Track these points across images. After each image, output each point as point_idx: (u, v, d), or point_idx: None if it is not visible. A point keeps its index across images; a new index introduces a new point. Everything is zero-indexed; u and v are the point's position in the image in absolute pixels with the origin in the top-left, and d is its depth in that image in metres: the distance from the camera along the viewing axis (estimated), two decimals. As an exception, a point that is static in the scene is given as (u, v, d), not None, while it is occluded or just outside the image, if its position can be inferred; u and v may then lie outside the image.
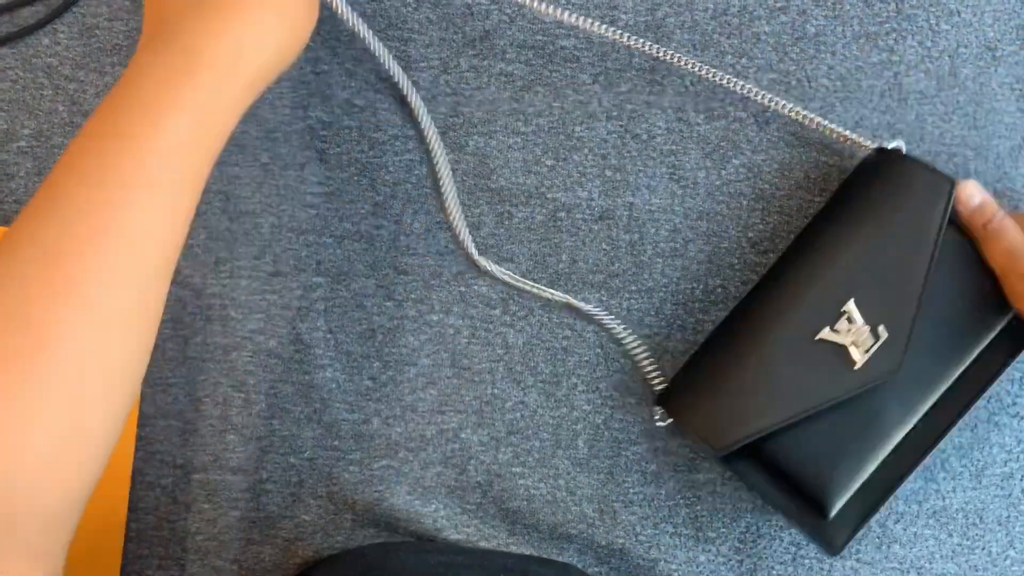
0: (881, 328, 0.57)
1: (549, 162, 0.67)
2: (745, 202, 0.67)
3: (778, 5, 0.67)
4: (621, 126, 0.67)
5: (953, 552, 0.67)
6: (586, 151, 0.67)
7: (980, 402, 0.61)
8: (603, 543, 0.67)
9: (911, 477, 0.60)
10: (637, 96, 0.67)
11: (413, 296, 0.67)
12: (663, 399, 0.63)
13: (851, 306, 0.57)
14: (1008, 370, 0.61)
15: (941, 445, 0.61)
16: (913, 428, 0.60)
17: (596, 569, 0.67)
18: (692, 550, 0.67)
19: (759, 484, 0.62)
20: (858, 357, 0.57)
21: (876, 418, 0.59)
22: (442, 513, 0.66)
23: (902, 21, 0.67)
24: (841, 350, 0.57)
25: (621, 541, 0.67)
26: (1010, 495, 0.67)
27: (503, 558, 0.64)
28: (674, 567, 0.67)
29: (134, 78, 0.44)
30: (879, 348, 0.57)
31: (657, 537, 0.67)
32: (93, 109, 0.65)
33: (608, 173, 0.67)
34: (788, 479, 0.60)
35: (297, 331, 0.66)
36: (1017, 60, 0.68)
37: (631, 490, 0.67)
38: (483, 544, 0.66)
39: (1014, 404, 0.67)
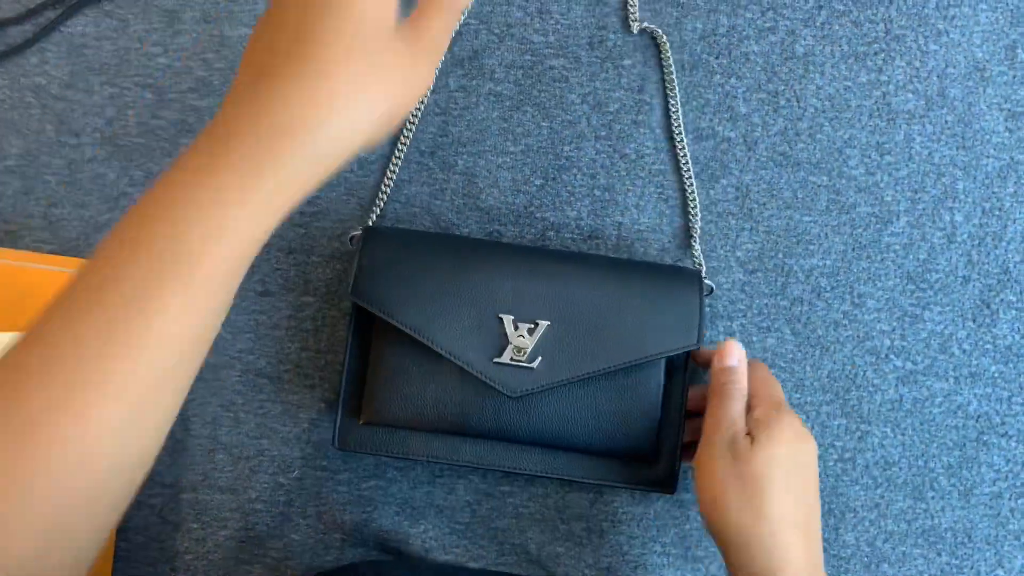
0: (539, 360, 0.59)
1: (538, 181, 0.67)
2: (733, 221, 0.67)
3: (767, 25, 0.67)
4: (610, 146, 0.67)
5: (942, 571, 0.67)
6: (575, 171, 0.67)
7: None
8: (591, 562, 0.67)
9: None
10: (625, 116, 0.67)
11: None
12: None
13: (543, 323, 0.59)
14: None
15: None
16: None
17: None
18: (680, 569, 0.67)
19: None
20: (506, 356, 0.59)
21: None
22: (431, 533, 0.66)
23: (891, 42, 0.67)
24: (503, 339, 0.59)
25: (608, 560, 0.67)
26: (998, 514, 0.67)
27: (494, 577, 0.64)
28: (663, 586, 0.67)
29: (212, 149, 0.39)
30: (521, 370, 0.59)
31: (645, 557, 0.67)
32: (81, 128, 0.65)
33: (597, 192, 0.67)
34: None
35: (286, 351, 0.66)
36: (1005, 80, 0.68)
37: (620, 509, 0.67)
38: (471, 564, 0.66)
39: (1003, 424, 0.67)
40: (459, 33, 0.66)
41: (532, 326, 0.59)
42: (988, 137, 0.68)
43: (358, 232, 0.62)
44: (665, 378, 0.62)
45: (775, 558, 0.52)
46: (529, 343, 0.59)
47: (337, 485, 0.66)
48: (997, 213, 0.68)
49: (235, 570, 0.66)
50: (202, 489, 0.66)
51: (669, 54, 0.66)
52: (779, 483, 0.54)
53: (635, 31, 0.67)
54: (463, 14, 0.59)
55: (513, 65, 0.67)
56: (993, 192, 0.68)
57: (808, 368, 0.67)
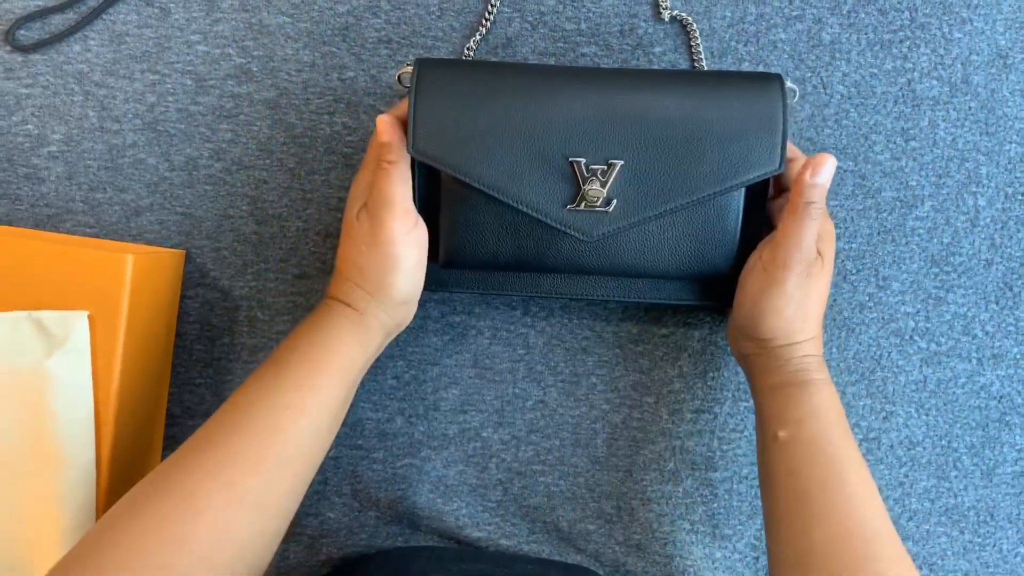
0: (615, 203, 0.57)
1: (569, 167, 0.69)
2: (761, 206, 0.69)
3: (794, 13, 0.68)
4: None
5: (964, 549, 0.69)
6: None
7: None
8: (621, 539, 0.68)
9: None
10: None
11: (435, 297, 0.68)
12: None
13: (617, 163, 0.56)
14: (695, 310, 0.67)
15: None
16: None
17: (614, 566, 0.68)
18: (708, 547, 0.68)
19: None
20: (579, 202, 0.57)
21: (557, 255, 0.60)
22: (464, 511, 0.68)
23: (916, 29, 0.69)
24: (576, 185, 0.57)
25: (638, 537, 0.68)
26: (1021, 493, 0.68)
27: (523, 564, 0.65)
28: (690, 563, 0.68)
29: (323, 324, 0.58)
30: (596, 214, 0.57)
31: (674, 534, 0.68)
32: (122, 115, 0.67)
33: (627, 177, 0.69)
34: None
35: (322, 332, 0.68)
36: (1028, 67, 0.69)
37: (649, 488, 0.68)
38: (503, 542, 0.68)
39: (1024, 404, 0.69)
40: (493, 21, 0.68)
41: (605, 167, 0.56)
42: (1011, 123, 0.69)
43: (408, 67, 0.58)
44: (745, 199, 0.60)
45: (815, 348, 0.59)
46: (602, 187, 0.56)
47: (372, 464, 0.68)
48: (1020, 198, 0.69)
49: (271, 548, 0.68)
50: (240, 468, 0.67)
51: (699, 41, 0.68)
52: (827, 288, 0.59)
53: (665, 19, 0.68)
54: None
55: (545, 52, 0.68)
56: (1016, 177, 0.69)
57: (834, 349, 0.68)
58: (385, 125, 0.56)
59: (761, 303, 0.58)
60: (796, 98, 0.61)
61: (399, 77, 0.59)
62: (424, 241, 0.58)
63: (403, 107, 0.58)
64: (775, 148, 0.56)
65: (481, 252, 0.60)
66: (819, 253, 0.57)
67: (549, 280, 0.63)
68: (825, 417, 0.56)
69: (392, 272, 0.56)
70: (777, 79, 0.57)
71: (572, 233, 0.57)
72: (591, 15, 0.68)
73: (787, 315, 0.57)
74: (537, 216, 0.57)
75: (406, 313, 0.60)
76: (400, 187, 0.56)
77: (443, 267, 0.62)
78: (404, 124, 0.57)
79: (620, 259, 0.60)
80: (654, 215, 0.57)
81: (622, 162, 0.56)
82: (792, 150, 0.61)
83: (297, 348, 0.56)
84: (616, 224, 0.57)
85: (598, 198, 0.56)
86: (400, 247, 0.56)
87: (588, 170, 0.56)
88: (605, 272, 0.61)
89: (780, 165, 0.56)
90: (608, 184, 0.56)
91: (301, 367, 0.55)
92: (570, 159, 0.56)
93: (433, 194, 0.60)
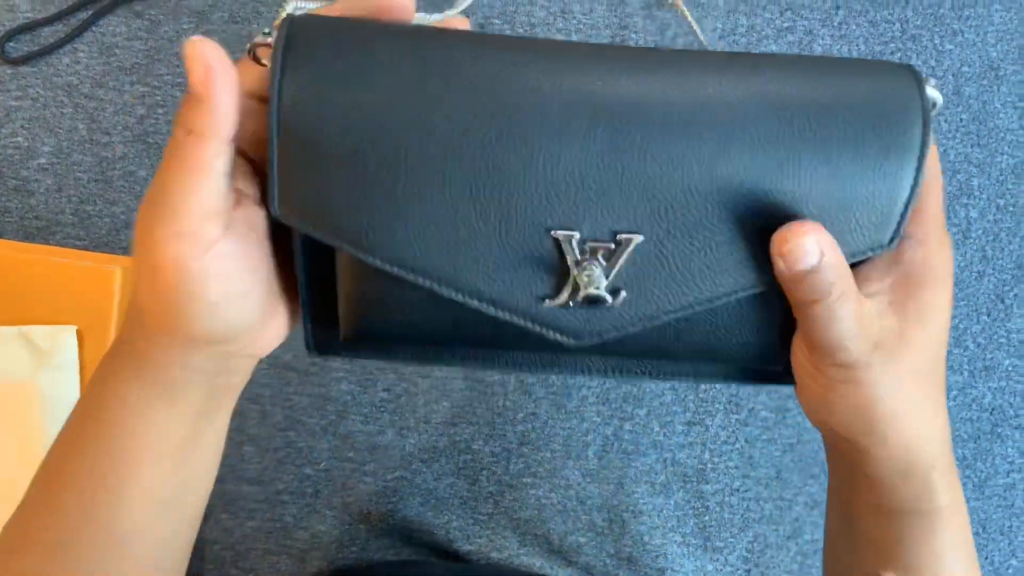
0: (623, 295, 0.34)
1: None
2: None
3: (785, 25, 0.68)
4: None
5: (956, 561, 0.68)
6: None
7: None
8: (612, 552, 0.68)
9: None
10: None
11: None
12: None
13: (633, 239, 0.33)
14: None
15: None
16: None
17: (606, 578, 0.68)
18: (700, 559, 0.68)
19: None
20: (564, 296, 0.34)
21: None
22: (455, 524, 0.68)
23: (907, 41, 0.69)
24: (560, 270, 0.34)
25: (629, 550, 0.68)
26: (1012, 505, 0.68)
27: None
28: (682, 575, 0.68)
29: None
30: (591, 309, 0.35)
31: (665, 547, 0.68)
32: (112, 127, 0.67)
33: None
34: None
35: (313, 344, 0.67)
36: (1020, 79, 0.69)
37: (640, 500, 0.68)
38: (494, 555, 0.68)
39: (1016, 416, 0.68)
40: (484, 32, 0.68)
41: (611, 246, 0.33)
42: (1002, 135, 0.69)
43: (265, 36, 0.33)
44: None
45: (942, 457, 0.38)
46: (605, 274, 0.34)
47: (363, 476, 0.68)
48: (1011, 209, 0.69)
49: (262, 560, 0.67)
50: (230, 480, 0.67)
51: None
52: (942, 362, 0.38)
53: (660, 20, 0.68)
54: None
55: (536, 64, 0.68)
56: (1007, 188, 0.69)
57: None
58: (203, 63, 0.31)
59: (832, 403, 0.36)
60: (936, 111, 0.36)
61: (252, 50, 0.34)
62: (244, 259, 0.34)
63: (263, 52, 0.34)
64: (891, 218, 0.34)
65: (402, 330, 0.37)
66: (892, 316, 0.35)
67: (511, 355, 0.40)
68: (950, 569, 0.39)
69: (180, 310, 0.33)
70: (915, 92, 0.34)
71: (550, 336, 0.35)
72: (581, 26, 0.68)
73: (878, 428, 0.36)
74: (494, 314, 0.35)
75: (242, 346, 0.36)
76: (197, 182, 0.32)
77: (345, 342, 0.39)
78: (260, 85, 0.34)
79: (618, 346, 0.37)
80: (684, 309, 0.35)
81: (641, 238, 0.33)
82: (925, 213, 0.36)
83: (84, 430, 0.38)
84: (622, 325, 0.35)
85: (596, 289, 0.34)
86: (188, 279, 0.32)
87: (583, 250, 0.33)
88: (591, 353, 0.39)
89: (893, 239, 0.34)
90: (615, 269, 0.34)
91: (98, 458, 0.37)
92: (553, 232, 0.33)
93: (324, 259, 0.36)
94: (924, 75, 0.35)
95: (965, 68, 0.69)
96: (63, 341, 0.57)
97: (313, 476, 0.67)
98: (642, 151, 0.33)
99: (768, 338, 0.37)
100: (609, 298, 0.34)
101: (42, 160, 0.67)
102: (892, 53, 0.69)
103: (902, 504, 0.38)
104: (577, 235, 0.33)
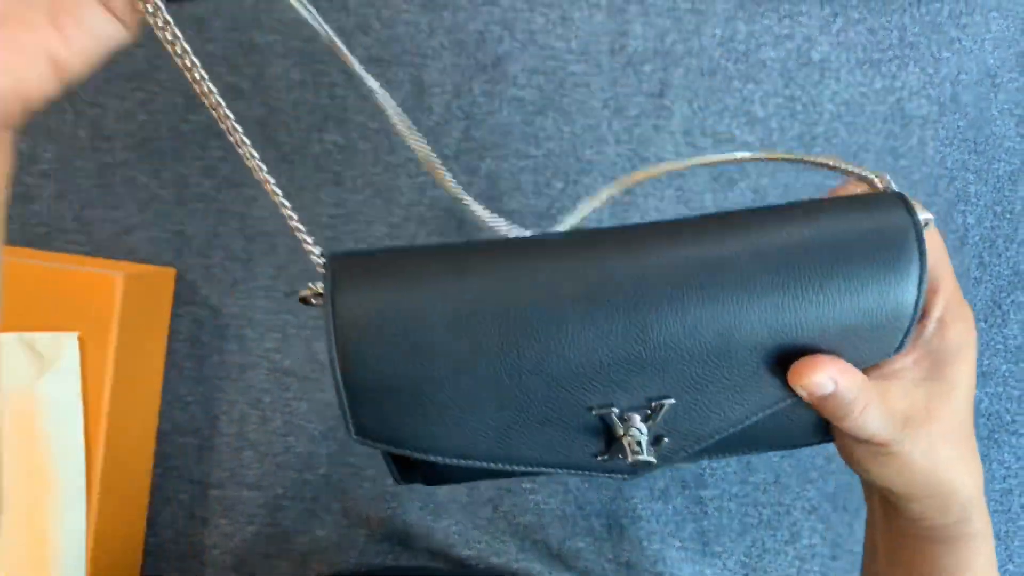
0: (666, 440, 0.39)
1: (559, 184, 0.69)
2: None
3: (784, 32, 0.69)
4: (630, 150, 0.69)
5: (953, 566, 0.69)
6: (595, 174, 0.69)
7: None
8: (611, 557, 0.68)
9: None
10: (646, 120, 0.69)
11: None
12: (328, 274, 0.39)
13: (666, 402, 0.38)
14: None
15: None
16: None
17: (605, 583, 0.68)
18: (698, 564, 0.68)
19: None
20: (616, 455, 0.40)
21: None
22: (454, 529, 0.68)
23: (905, 48, 0.69)
24: (606, 436, 0.39)
25: (628, 555, 0.68)
26: (1009, 510, 0.69)
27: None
28: (681, 580, 0.68)
29: None
30: (646, 450, 0.39)
31: (664, 552, 0.68)
32: (113, 133, 0.67)
33: (617, 196, 0.69)
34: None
35: (312, 350, 0.68)
36: (1017, 86, 0.69)
37: (639, 506, 0.68)
38: (493, 559, 0.68)
39: (1013, 422, 0.69)
40: (483, 39, 0.68)
41: (648, 410, 0.38)
42: (1000, 142, 0.69)
43: (312, 288, 0.39)
44: None
45: (975, 488, 0.41)
46: (645, 434, 0.39)
47: (362, 481, 0.68)
48: (1008, 216, 0.69)
49: (261, 565, 0.68)
50: (230, 486, 0.67)
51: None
52: (971, 416, 0.42)
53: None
54: None
55: (536, 71, 0.68)
56: (1004, 195, 0.69)
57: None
58: None
59: (871, 468, 0.40)
60: (928, 227, 0.39)
61: (305, 298, 0.39)
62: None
63: None
64: (899, 326, 0.38)
65: (474, 477, 0.43)
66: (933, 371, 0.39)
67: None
68: None
69: None
70: (908, 233, 0.38)
71: (606, 478, 0.41)
72: (581, 33, 0.68)
73: (918, 481, 0.40)
74: (555, 473, 0.40)
75: None
76: None
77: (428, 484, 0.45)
78: None
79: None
80: (723, 435, 0.40)
81: (673, 400, 0.38)
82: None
83: None
84: (668, 459, 0.40)
85: (641, 441, 0.38)
86: None
87: (624, 418, 0.38)
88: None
89: (900, 346, 0.39)
90: (656, 424, 0.39)
91: None
92: (596, 412, 0.38)
93: None
94: (911, 198, 0.39)
95: (963, 75, 0.69)
96: (64, 348, 0.58)
97: (312, 481, 0.68)
98: (659, 326, 0.37)
99: (807, 425, 0.42)
100: (655, 460, 0.39)
101: (44, 166, 0.67)
102: (890, 60, 0.69)
103: (938, 533, 0.42)
104: (616, 410, 0.38)
